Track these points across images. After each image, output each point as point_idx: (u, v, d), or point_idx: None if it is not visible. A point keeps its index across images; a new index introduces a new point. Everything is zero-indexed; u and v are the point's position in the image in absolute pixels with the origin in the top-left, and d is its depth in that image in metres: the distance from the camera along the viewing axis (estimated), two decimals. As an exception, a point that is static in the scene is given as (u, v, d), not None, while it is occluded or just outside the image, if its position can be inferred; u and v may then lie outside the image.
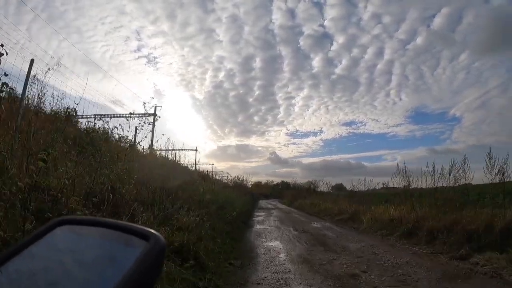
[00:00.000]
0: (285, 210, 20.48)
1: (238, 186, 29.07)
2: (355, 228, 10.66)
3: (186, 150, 43.75)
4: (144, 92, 61.80)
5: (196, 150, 43.29)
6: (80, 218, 0.79)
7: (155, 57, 72.03)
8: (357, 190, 16.42)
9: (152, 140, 26.38)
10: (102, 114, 25.65)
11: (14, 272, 0.57)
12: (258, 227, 11.09)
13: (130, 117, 21.05)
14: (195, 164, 40.21)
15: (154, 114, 25.80)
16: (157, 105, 25.25)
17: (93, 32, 59.78)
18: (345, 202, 15.08)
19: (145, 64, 65.33)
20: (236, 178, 38.46)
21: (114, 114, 24.94)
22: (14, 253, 0.60)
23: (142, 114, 22.94)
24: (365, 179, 15.79)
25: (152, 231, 0.58)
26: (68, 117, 4.62)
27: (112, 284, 0.48)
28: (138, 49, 72.81)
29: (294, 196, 27.97)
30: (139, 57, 69.40)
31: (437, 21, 57.00)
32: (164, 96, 66.10)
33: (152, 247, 0.54)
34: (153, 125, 27.55)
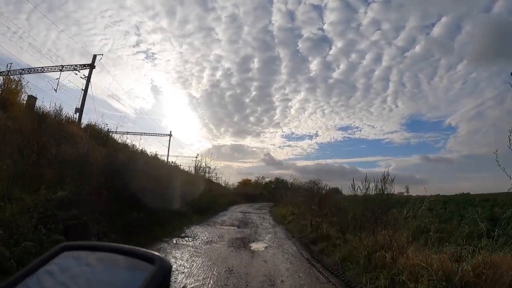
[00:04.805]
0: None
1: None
2: None
3: (155, 134, 30.46)
4: (141, 87, 64.10)
5: (170, 135, 30.35)
6: (83, 244, 0.71)
7: (153, 53, 70.85)
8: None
9: (82, 105, 16.67)
10: (28, 68, 17.22)
11: None
12: None
13: (62, 70, 15.98)
14: (168, 154, 25.90)
15: (92, 66, 18.12)
16: (97, 54, 18.31)
17: (92, 25, 59.02)
18: None
19: (143, 60, 66.48)
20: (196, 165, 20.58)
21: (42, 67, 17.74)
22: (19, 280, 0.58)
23: (75, 65, 16.79)
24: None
25: (157, 253, 0.59)
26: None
27: None
28: (137, 44, 67.92)
29: (312, 203, 8.27)
30: (137, 52, 67.06)
31: (437, 30, 57.39)
32: (161, 92, 69.46)
33: (158, 270, 0.54)
34: (88, 81, 17.81)
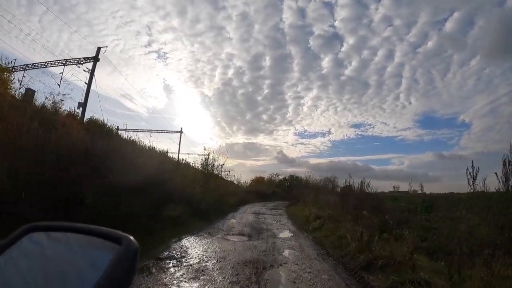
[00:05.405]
0: None
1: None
2: None
3: (165, 131, 28.19)
4: (154, 87, 63.89)
5: (181, 132, 28.74)
6: (49, 224, 0.66)
7: (165, 53, 70.80)
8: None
9: (86, 99, 15.70)
10: (32, 63, 16.37)
11: None
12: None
13: (66, 64, 14.74)
14: (179, 151, 25.56)
15: (96, 58, 16.99)
16: (101, 46, 17.12)
17: (104, 26, 58.11)
18: None
19: (155, 59, 65.86)
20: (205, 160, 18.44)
21: (46, 62, 16.84)
22: None
23: (79, 59, 15.56)
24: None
25: (124, 234, 0.56)
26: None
27: None
28: (149, 44, 68.08)
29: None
30: (149, 52, 67.09)
31: (449, 25, 56.72)
32: (173, 91, 69.98)
33: (125, 250, 0.53)
34: (92, 74, 16.64)
